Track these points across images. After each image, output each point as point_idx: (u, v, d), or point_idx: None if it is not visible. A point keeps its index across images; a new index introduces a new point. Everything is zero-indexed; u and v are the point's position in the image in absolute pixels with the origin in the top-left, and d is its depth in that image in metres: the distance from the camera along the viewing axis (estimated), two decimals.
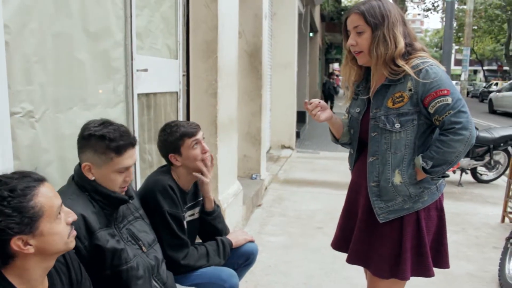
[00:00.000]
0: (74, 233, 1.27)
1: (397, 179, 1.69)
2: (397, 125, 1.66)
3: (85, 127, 1.61)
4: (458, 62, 31.68)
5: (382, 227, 1.74)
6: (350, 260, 1.86)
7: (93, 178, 1.57)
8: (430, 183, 1.72)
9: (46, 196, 1.17)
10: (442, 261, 1.80)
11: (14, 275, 1.17)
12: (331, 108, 16.26)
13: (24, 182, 1.15)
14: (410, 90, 1.63)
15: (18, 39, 1.60)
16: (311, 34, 13.28)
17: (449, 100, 1.58)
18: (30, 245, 1.14)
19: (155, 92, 2.82)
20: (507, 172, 5.02)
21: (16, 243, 1.11)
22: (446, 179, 1.82)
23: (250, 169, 5.33)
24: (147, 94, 2.70)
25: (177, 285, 1.88)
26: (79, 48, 1.98)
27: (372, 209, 1.76)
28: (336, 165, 7.28)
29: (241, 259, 2.22)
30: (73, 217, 1.26)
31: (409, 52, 1.66)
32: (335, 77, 17.23)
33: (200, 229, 2.19)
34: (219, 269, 2.02)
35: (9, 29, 1.55)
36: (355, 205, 1.86)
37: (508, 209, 4.43)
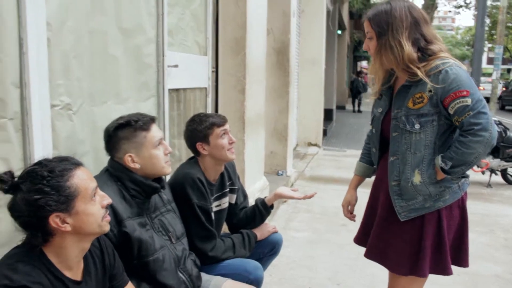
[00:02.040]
0: (108, 218, 1.35)
1: (416, 178, 1.71)
2: (417, 126, 1.67)
3: (107, 129, 1.72)
4: (490, 61, 30.81)
5: (402, 224, 1.76)
6: (367, 255, 1.89)
7: (138, 166, 1.65)
8: (451, 182, 1.72)
9: (82, 178, 1.26)
10: (462, 259, 1.80)
11: (53, 254, 1.26)
12: (359, 105, 16.14)
13: (62, 164, 1.25)
14: (430, 91, 1.64)
15: (58, 36, 1.68)
16: (339, 32, 13.19)
17: (468, 101, 1.58)
18: (67, 223, 1.23)
19: (185, 87, 2.89)
20: None
21: (54, 220, 1.20)
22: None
23: (277, 166, 5.37)
24: (177, 90, 2.78)
25: (203, 274, 1.94)
26: (113, 44, 2.06)
27: (392, 206, 1.78)
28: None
29: (267, 248, 2.28)
30: (107, 200, 1.33)
31: (429, 53, 1.66)
32: (364, 75, 17.04)
33: (244, 216, 2.29)
34: (244, 261, 2.07)
35: (51, 26, 1.63)
36: (377, 202, 1.88)
37: None
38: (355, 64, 25.15)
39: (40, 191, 1.19)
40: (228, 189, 2.24)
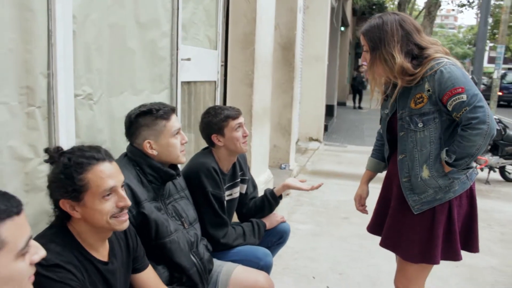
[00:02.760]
0: (124, 218, 1.36)
1: (425, 173, 1.81)
2: (420, 125, 1.78)
3: (129, 115, 1.80)
4: (492, 60, 30.87)
5: (414, 216, 1.85)
6: (382, 244, 1.97)
7: (156, 153, 1.73)
8: (460, 174, 1.81)
9: (97, 175, 1.29)
10: (472, 245, 1.89)
11: (77, 236, 1.34)
12: (360, 102, 16.20)
13: (84, 156, 1.30)
14: (429, 90, 1.74)
15: (81, 28, 1.76)
16: (342, 28, 13.24)
17: (464, 97, 1.67)
18: (77, 211, 1.30)
19: (195, 80, 2.97)
20: None
21: (64, 205, 1.29)
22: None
23: (279, 159, 5.46)
24: (188, 82, 2.85)
25: (215, 260, 2.03)
26: (131, 37, 2.13)
27: (404, 198, 1.86)
28: (363, 159, 7.28)
29: (275, 237, 2.37)
30: (125, 202, 1.34)
31: (425, 57, 1.75)
32: (364, 71, 17.11)
33: (253, 206, 2.38)
34: (255, 248, 2.16)
35: (76, 19, 1.71)
36: (390, 193, 1.97)
37: None
38: (356, 61, 25.16)
39: (56, 176, 1.28)
40: (239, 179, 2.33)
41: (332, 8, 9.47)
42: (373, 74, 1.87)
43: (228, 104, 3.51)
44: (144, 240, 1.67)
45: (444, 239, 1.82)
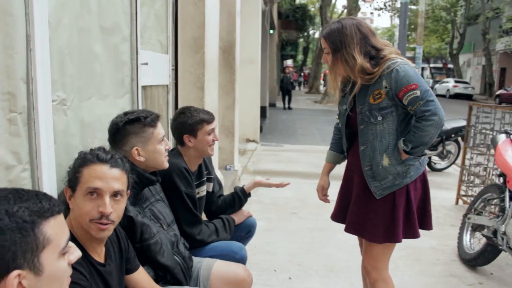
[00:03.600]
0: (103, 227, 1.36)
1: (385, 161, 2.00)
2: (379, 118, 1.96)
3: (116, 122, 1.82)
4: (410, 60, 33.07)
5: (376, 200, 2.04)
6: (347, 229, 2.14)
7: (143, 159, 1.77)
8: (414, 161, 2.02)
9: (89, 173, 1.37)
10: (427, 224, 2.14)
11: (74, 234, 1.37)
12: (289, 102, 16.70)
13: (92, 154, 1.37)
14: (386, 87, 1.93)
15: (55, 33, 1.75)
16: (271, 31, 13.59)
17: (417, 93, 1.88)
18: (70, 201, 1.40)
19: (151, 84, 2.99)
20: (458, 160, 5.50)
21: (66, 191, 1.39)
22: None
23: (224, 160, 5.54)
24: (144, 87, 2.87)
25: (193, 257, 2.09)
26: (96, 42, 2.13)
27: (366, 185, 2.05)
28: (301, 157, 7.62)
29: (244, 231, 2.49)
30: (104, 209, 1.35)
31: (381, 58, 1.95)
32: (292, 72, 17.70)
33: (224, 203, 2.45)
34: (229, 243, 2.25)
35: (50, 24, 1.70)
36: (351, 183, 2.15)
37: (462, 192, 4.92)
38: (282, 63, 25.85)
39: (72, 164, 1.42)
40: (205, 178, 2.40)
41: (263, 11, 9.73)
42: (334, 74, 2.05)
43: (180, 106, 3.55)
44: (131, 242, 1.71)
45: (405, 220, 2.02)
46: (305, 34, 29.77)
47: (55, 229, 0.88)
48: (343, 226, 2.18)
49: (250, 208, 4.79)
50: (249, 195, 2.53)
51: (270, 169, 6.64)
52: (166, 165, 1.87)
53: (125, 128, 1.77)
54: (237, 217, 2.47)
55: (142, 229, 1.75)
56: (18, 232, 0.81)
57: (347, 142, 2.19)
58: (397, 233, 2.00)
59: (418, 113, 1.90)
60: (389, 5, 21.06)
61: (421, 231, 2.09)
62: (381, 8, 19.86)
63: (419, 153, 1.96)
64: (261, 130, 9.92)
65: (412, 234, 2.05)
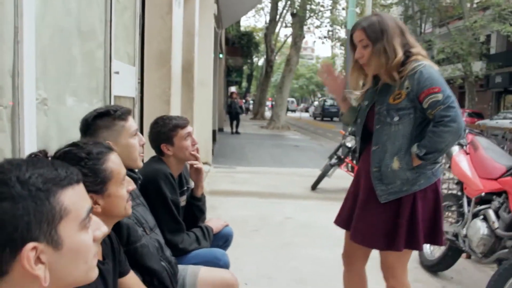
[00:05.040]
0: (130, 202, 1.41)
1: (395, 164, 1.92)
2: (396, 118, 1.90)
3: (85, 119, 1.75)
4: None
5: (380, 206, 1.95)
6: (352, 238, 2.04)
7: None
8: (426, 169, 1.93)
9: (115, 163, 1.32)
10: (436, 237, 2.00)
11: None
12: (237, 127, 16.81)
13: (98, 147, 1.30)
14: (407, 88, 1.88)
15: (40, 29, 1.69)
16: (220, 55, 13.74)
17: (439, 97, 1.82)
18: (98, 204, 1.28)
19: (120, 95, 2.92)
20: None
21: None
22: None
23: None
24: (116, 97, 2.80)
25: (179, 265, 2.03)
26: (75, 45, 2.08)
27: (371, 190, 1.97)
28: (255, 178, 7.65)
29: (221, 241, 2.45)
30: (133, 186, 1.40)
31: (408, 55, 1.91)
32: (238, 98, 17.93)
33: (187, 214, 2.36)
34: (211, 250, 2.21)
35: (36, 18, 1.64)
36: (358, 188, 2.08)
37: None
38: (227, 89, 26.07)
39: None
40: (185, 188, 2.36)
41: (215, 34, 9.85)
42: (371, 70, 1.95)
43: (146, 120, 3.49)
44: None
45: (408, 229, 1.92)
46: (249, 61, 30.35)
47: (74, 199, 0.80)
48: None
49: None
50: (202, 197, 2.43)
51: (226, 189, 6.60)
52: (139, 163, 1.79)
53: (95, 123, 1.69)
54: (215, 226, 2.44)
55: (129, 231, 1.68)
56: (32, 200, 0.73)
57: (360, 142, 2.12)
58: (397, 242, 1.92)
59: (437, 118, 1.83)
60: (331, 35, 22.08)
61: None
62: (325, 37, 20.79)
63: (432, 159, 1.89)
64: (212, 153, 9.87)
65: (415, 245, 1.95)
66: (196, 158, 2.25)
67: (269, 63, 22.13)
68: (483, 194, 2.85)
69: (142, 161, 1.88)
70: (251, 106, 34.35)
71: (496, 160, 2.93)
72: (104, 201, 1.29)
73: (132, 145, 1.76)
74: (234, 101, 16.79)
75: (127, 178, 1.39)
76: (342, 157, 6.52)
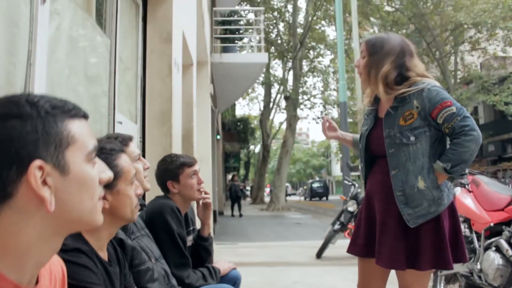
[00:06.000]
0: (138, 207, 1.40)
1: (421, 184, 1.88)
2: (412, 138, 1.89)
3: None
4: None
5: (401, 227, 1.90)
6: (377, 262, 1.95)
7: None
8: (444, 186, 1.91)
9: (127, 162, 1.33)
10: (461, 255, 1.94)
11: (87, 232, 1.26)
12: (239, 209, 16.60)
13: (111, 144, 1.33)
14: (417, 107, 1.89)
15: (50, 61, 1.79)
16: (218, 137, 14.02)
17: (453, 109, 1.84)
18: (107, 199, 1.26)
19: None
20: None
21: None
22: None
23: None
24: None
25: None
26: (81, 86, 2.17)
27: (389, 211, 1.93)
28: (258, 251, 7.47)
29: (230, 283, 2.34)
30: (141, 190, 1.40)
31: (407, 78, 1.94)
32: (239, 181, 17.96)
33: (193, 255, 2.29)
34: (219, 285, 2.12)
35: (48, 49, 1.74)
36: (373, 211, 2.04)
37: None
38: (225, 175, 26.14)
39: None
40: (191, 228, 2.32)
41: (213, 112, 10.15)
42: (366, 79, 2.03)
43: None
44: None
45: (433, 248, 1.87)
46: (246, 149, 30.89)
47: (81, 130, 0.78)
48: None
49: None
50: (209, 237, 2.38)
51: (231, 260, 6.39)
52: (147, 186, 1.79)
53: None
54: (222, 268, 2.36)
55: (133, 253, 1.64)
56: (40, 121, 0.72)
57: (365, 168, 2.11)
58: (422, 261, 1.86)
59: (457, 129, 1.83)
60: (325, 115, 22.80)
61: None
62: (318, 117, 21.43)
63: (459, 172, 1.86)
64: (213, 232, 9.70)
65: (445, 265, 1.88)
66: (205, 193, 2.25)
67: (265, 147, 22.56)
68: (492, 224, 2.81)
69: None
70: (248, 193, 34.29)
71: (500, 192, 2.92)
72: (112, 197, 1.28)
73: (136, 169, 1.78)
74: (234, 184, 16.79)
75: (137, 182, 1.40)
76: (345, 223, 6.43)
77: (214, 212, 11.96)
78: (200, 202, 2.29)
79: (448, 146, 1.94)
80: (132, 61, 3.31)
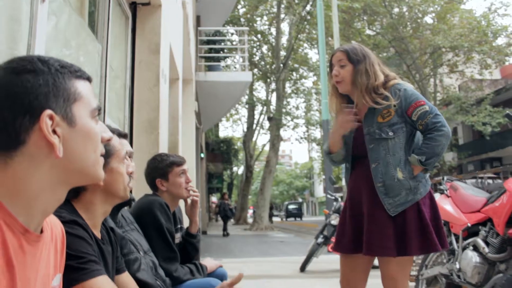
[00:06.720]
0: (131, 186, 1.48)
1: (399, 175, 2.05)
2: (391, 133, 2.07)
3: None
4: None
5: (388, 217, 2.03)
6: (366, 252, 2.05)
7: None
8: (421, 177, 2.09)
9: (117, 142, 1.40)
10: (442, 241, 2.06)
11: (83, 210, 1.32)
12: (225, 229, 16.30)
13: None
14: (395, 106, 2.08)
15: None
16: (202, 155, 14.03)
17: (426, 108, 2.05)
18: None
19: None
20: None
21: None
22: None
23: None
24: None
25: None
26: None
27: (375, 203, 2.06)
28: (242, 266, 7.45)
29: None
30: (132, 168, 1.48)
31: (386, 80, 2.15)
32: (229, 200, 17.87)
33: (181, 252, 2.34)
34: (206, 279, 2.18)
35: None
36: (359, 206, 2.15)
37: None
38: (208, 196, 25.98)
39: None
40: (179, 226, 2.38)
41: (197, 129, 10.20)
42: (360, 86, 2.12)
43: (134, 191, 3.55)
44: None
45: (419, 234, 2.01)
46: (229, 171, 30.84)
47: (86, 89, 0.86)
48: None
49: None
50: (197, 235, 2.45)
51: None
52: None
53: None
54: (209, 265, 2.41)
55: (122, 242, 1.69)
56: (51, 76, 0.80)
57: (350, 169, 2.24)
58: (411, 246, 1.98)
59: (430, 125, 2.02)
60: (307, 136, 23.05)
61: None
62: (301, 137, 21.66)
63: (432, 164, 2.05)
64: None
65: (431, 248, 2.02)
66: (193, 191, 2.31)
67: (248, 168, 22.61)
68: (469, 225, 2.93)
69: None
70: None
71: (476, 195, 3.06)
72: (106, 175, 1.35)
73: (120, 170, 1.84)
74: (224, 203, 16.62)
75: (128, 161, 1.47)
76: (328, 236, 6.50)
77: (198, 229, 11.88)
78: (189, 200, 2.36)
79: (415, 142, 2.12)
80: (121, 70, 3.39)
